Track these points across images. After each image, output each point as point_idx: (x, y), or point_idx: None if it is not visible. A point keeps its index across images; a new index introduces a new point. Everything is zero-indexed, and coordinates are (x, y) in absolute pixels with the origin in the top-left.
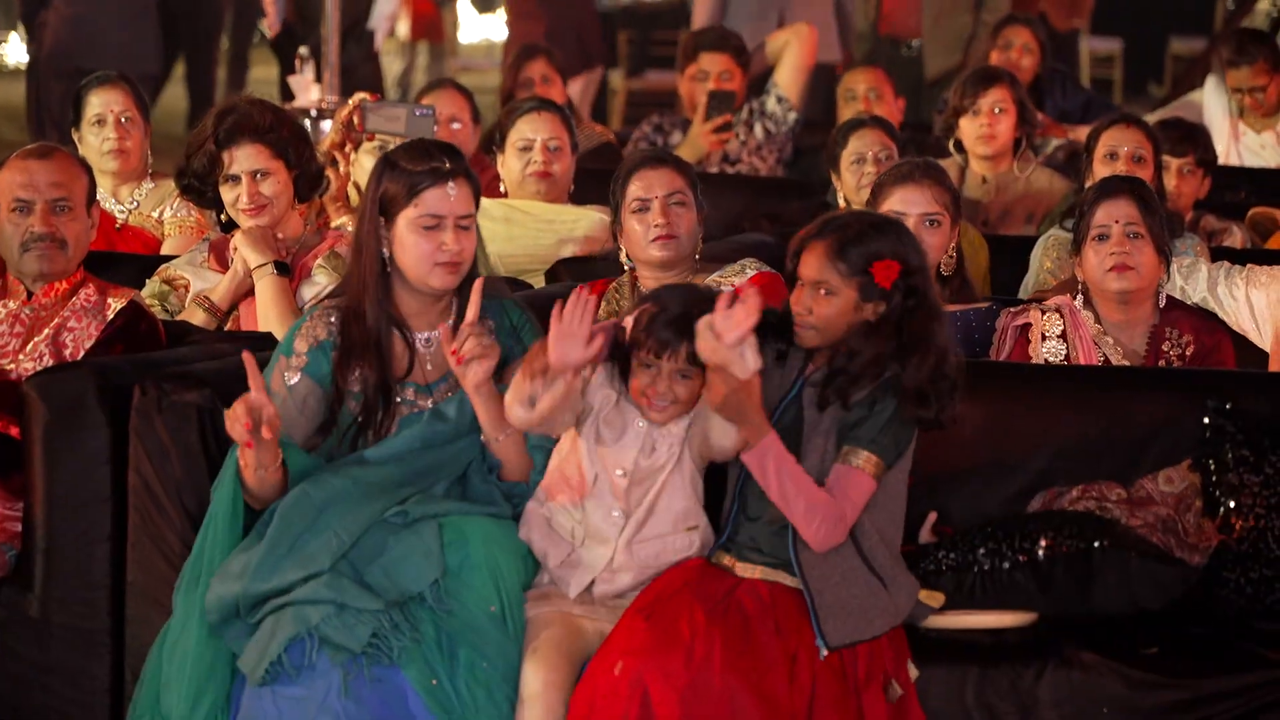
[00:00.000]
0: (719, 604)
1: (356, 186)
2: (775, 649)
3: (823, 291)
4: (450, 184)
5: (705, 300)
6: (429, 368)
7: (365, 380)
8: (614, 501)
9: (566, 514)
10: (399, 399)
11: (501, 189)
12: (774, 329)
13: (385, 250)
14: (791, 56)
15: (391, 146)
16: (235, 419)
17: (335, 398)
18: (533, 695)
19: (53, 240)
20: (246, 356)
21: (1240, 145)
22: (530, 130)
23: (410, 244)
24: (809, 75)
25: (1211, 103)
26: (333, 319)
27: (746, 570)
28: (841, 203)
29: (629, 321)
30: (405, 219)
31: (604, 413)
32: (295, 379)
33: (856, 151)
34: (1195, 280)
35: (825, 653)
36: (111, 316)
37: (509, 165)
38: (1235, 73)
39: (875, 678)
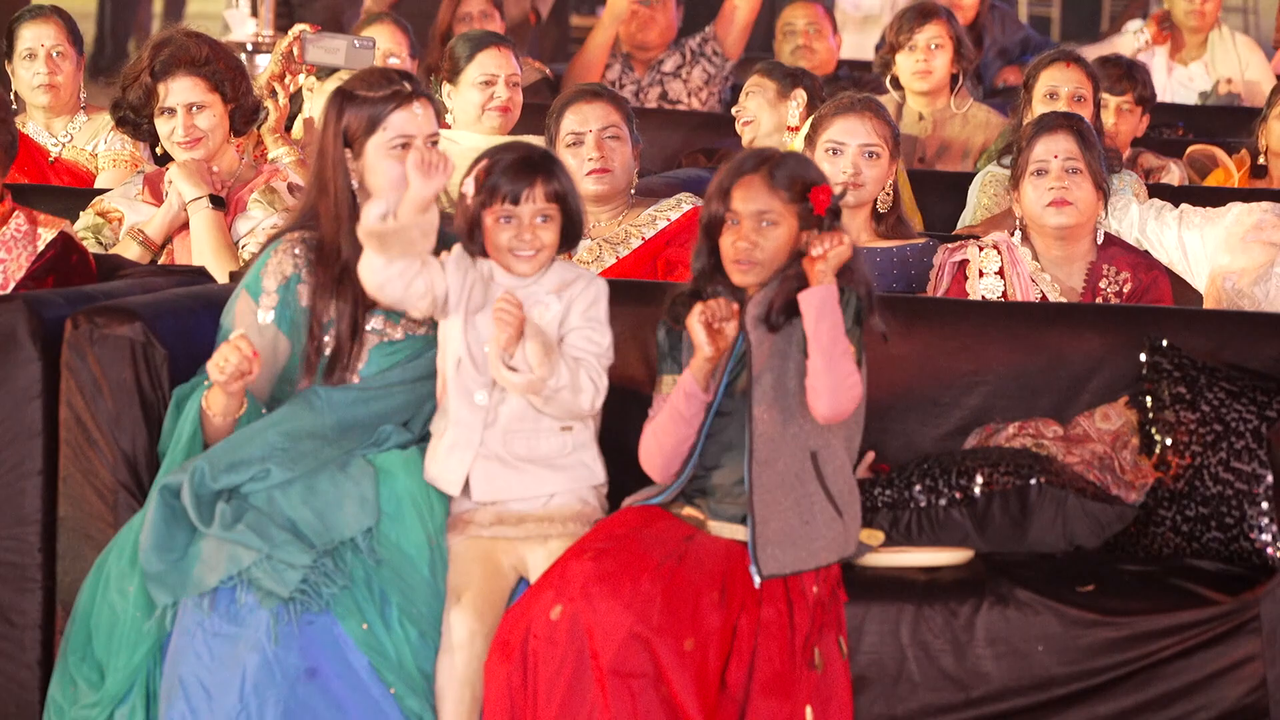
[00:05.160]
0: (668, 558)
1: (311, 122)
2: (715, 620)
3: (764, 223)
4: (415, 104)
5: (535, 150)
6: None
7: (340, 313)
8: (476, 384)
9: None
10: (369, 328)
11: (449, 121)
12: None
13: (355, 180)
14: (740, 16)
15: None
16: (229, 357)
17: (309, 333)
18: (459, 644)
19: None
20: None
21: (1172, 80)
22: (494, 65)
23: (383, 169)
24: (750, 29)
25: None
26: (298, 252)
27: (720, 529)
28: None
29: (468, 188)
30: (374, 145)
31: (468, 293)
32: (269, 318)
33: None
34: (1126, 219)
35: (759, 581)
36: (42, 248)
37: (466, 98)
38: None
39: (813, 642)
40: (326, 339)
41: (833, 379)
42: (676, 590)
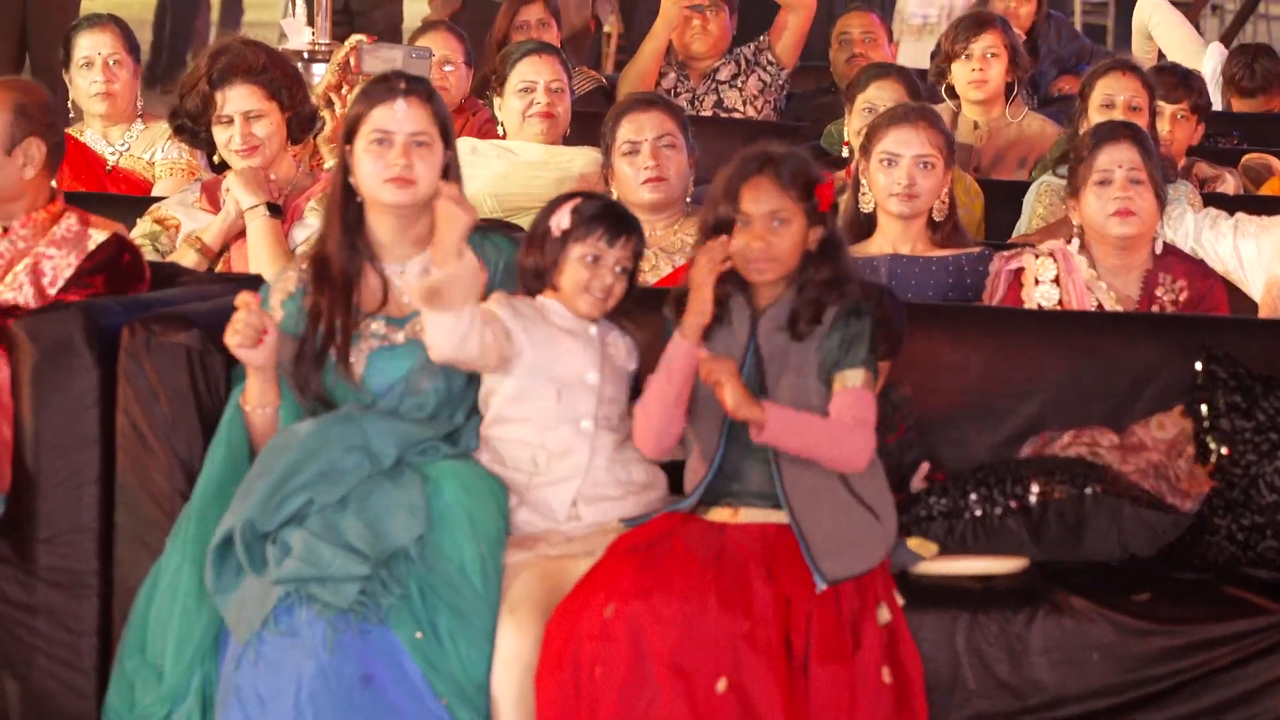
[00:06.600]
0: (710, 550)
1: None
2: (767, 598)
3: (776, 222)
4: (400, 101)
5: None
6: (405, 300)
7: (327, 312)
8: (584, 411)
9: (521, 444)
10: (369, 333)
11: (500, 131)
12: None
13: (352, 178)
14: (794, 25)
15: None
16: (238, 319)
17: (311, 340)
18: (514, 657)
19: None
20: (245, 296)
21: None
22: (532, 72)
23: (363, 162)
24: (805, 38)
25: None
26: (304, 266)
27: (751, 515)
28: (846, 138)
29: (564, 222)
30: (359, 138)
31: (528, 329)
32: (274, 334)
33: (869, 100)
34: (1181, 229)
35: (823, 587)
36: (92, 248)
37: (509, 106)
38: (1243, 100)
39: (868, 607)
40: (319, 332)
41: (831, 458)
42: (726, 576)
